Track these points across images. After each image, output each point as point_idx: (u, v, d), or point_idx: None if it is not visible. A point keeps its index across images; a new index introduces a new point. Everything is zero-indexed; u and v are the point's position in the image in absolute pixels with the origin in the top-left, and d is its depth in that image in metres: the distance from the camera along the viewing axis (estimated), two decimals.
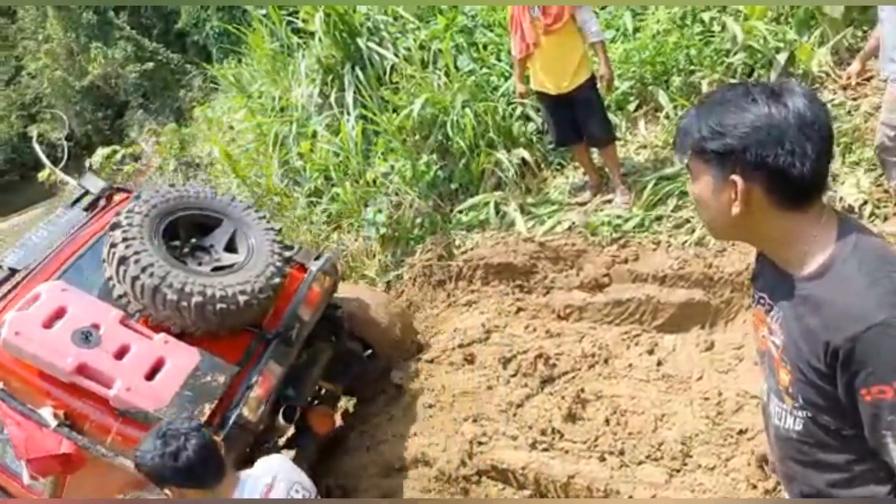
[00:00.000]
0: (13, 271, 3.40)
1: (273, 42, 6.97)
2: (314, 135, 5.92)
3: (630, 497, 3.12)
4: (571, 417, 3.56)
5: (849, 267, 1.14)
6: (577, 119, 4.32)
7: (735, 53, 4.72)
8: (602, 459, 3.34)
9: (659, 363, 3.75)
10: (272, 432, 3.48)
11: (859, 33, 4.45)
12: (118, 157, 9.77)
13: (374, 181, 5.34)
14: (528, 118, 5.31)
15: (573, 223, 4.52)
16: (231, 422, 3.05)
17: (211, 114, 9.27)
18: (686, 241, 4.03)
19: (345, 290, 4.32)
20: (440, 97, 5.23)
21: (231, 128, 7.85)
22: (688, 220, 4.13)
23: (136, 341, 3.05)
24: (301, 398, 3.71)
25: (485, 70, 5.59)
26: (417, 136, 5.34)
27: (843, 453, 1.24)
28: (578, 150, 4.60)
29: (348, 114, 5.78)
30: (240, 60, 8.91)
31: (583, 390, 3.66)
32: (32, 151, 15.07)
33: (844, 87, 4.15)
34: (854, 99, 4.18)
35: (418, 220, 5.17)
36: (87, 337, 2.95)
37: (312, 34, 6.15)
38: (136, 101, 15.41)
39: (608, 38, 5.21)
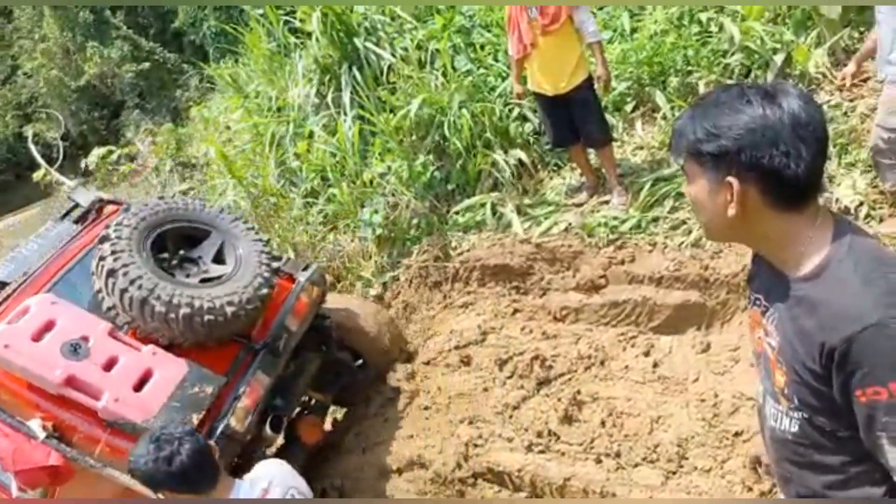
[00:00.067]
0: (3, 284, 3.43)
1: (270, 42, 6.95)
2: (311, 135, 5.91)
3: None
4: (567, 419, 3.55)
5: (844, 268, 1.14)
6: (575, 120, 4.32)
7: (732, 54, 4.73)
8: (598, 461, 3.33)
9: (655, 365, 3.75)
10: (260, 442, 3.50)
11: (856, 34, 4.46)
12: (114, 157, 9.77)
13: (371, 182, 5.33)
14: (525, 119, 5.31)
15: (570, 224, 4.52)
16: (219, 432, 3.07)
17: (207, 114, 9.25)
18: (682, 243, 4.03)
19: (334, 301, 4.35)
20: (437, 97, 5.22)
21: (228, 128, 7.84)
22: (684, 222, 4.13)
23: (125, 353, 3.09)
24: (289, 408, 3.74)
25: (482, 70, 5.59)
26: (414, 137, 5.33)
27: (839, 455, 1.24)
28: (575, 150, 4.60)
29: (345, 114, 5.77)
30: (237, 60, 8.90)
31: (579, 392, 3.65)
32: (28, 151, 15.08)
33: (841, 89, 4.16)
34: (850, 100, 4.19)
35: (415, 221, 5.16)
36: (75, 349, 2.98)
37: (309, 34, 6.14)
38: (132, 101, 15.38)
39: (605, 38, 5.22)
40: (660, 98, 4.87)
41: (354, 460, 3.94)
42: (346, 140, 5.55)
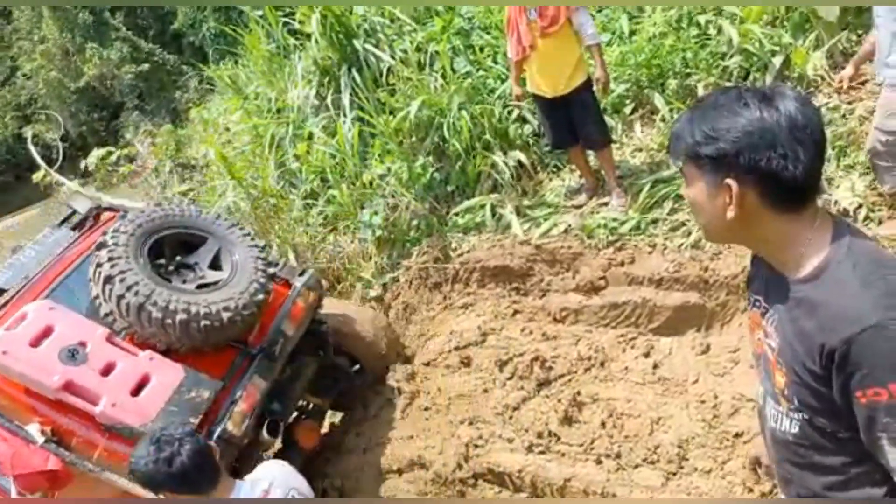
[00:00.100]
0: (1, 291, 3.46)
1: (269, 43, 6.96)
2: (310, 136, 5.92)
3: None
4: (567, 420, 3.56)
5: (843, 269, 1.15)
6: (574, 121, 4.33)
7: (730, 57, 4.74)
8: (598, 462, 3.34)
9: (655, 366, 3.75)
10: (257, 446, 3.52)
11: (854, 37, 4.47)
12: (113, 158, 9.76)
13: (371, 183, 5.34)
14: (524, 120, 5.31)
15: (569, 226, 4.52)
16: (216, 436, 3.10)
17: (207, 115, 9.25)
18: (682, 244, 4.04)
19: (331, 306, 4.40)
20: (437, 99, 5.23)
21: (227, 129, 7.83)
22: (684, 223, 4.14)
23: (122, 358, 3.12)
24: (286, 412, 3.77)
25: (481, 72, 5.60)
26: (414, 139, 5.34)
27: (839, 456, 1.25)
28: (574, 152, 4.60)
29: (345, 116, 5.78)
30: (236, 62, 8.89)
31: (579, 393, 3.66)
32: (27, 152, 15.09)
33: (839, 91, 4.17)
34: (849, 103, 4.20)
35: (414, 223, 5.17)
36: (73, 355, 3.01)
37: (309, 36, 6.14)
38: (131, 103, 15.39)
39: (604, 40, 5.23)
40: (658, 100, 4.87)
41: (355, 461, 3.95)
42: (346, 141, 5.55)
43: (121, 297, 3.10)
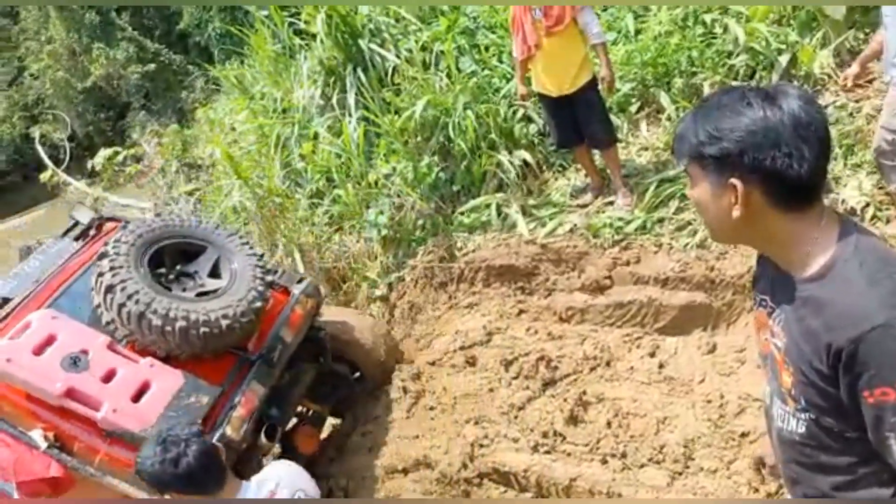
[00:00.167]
0: (6, 300, 3.53)
1: (275, 43, 6.97)
2: (316, 136, 5.93)
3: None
4: (573, 420, 3.56)
5: (850, 268, 1.15)
6: (579, 121, 4.32)
7: (737, 55, 4.72)
8: (604, 462, 3.33)
9: (661, 366, 3.75)
10: (255, 450, 3.57)
11: (861, 35, 4.45)
12: (120, 158, 9.79)
13: (376, 183, 5.34)
14: (529, 120, 5.31)
15: (575, 225, 4.52)
16: (214, 440, 3.12)
17: (213, 115, 9.27)
18: (688, 244, 4.03)
19: (331, 313, 4.47)
20: (442, 99, 5.23)
21: (233, 129, 7.85)
22: (689, 223, 4.13)
23: (123, 365, 3.19)
24: (284, 417, 3.82)
25: (486, 72, 5.60)
26: (419, 138, 5.34)
27: (847, 456, 1.24)
28: (580, 151, 4.60)
29: (350, 115, 5.78)
30: (242, 62, 8.92)
31: (584, 393, 3.65)
32: (35, 152, 15.17)
33: (846, 89, 4.15)
34: (856, 101, 4.18)
35: (420, 222, 5.17)
36: (75, 362, 3.08)
37: (314, 36, 6.15)
38: (138, 102, 15.46)
39: (610, 39, 5.21)
40: (664, 99, 4.86)
41: (360, 460, 3.95)
42: (351, 141, 5.56)
43: (122, 305, 3.17)
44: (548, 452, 3.47)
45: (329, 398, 4.29)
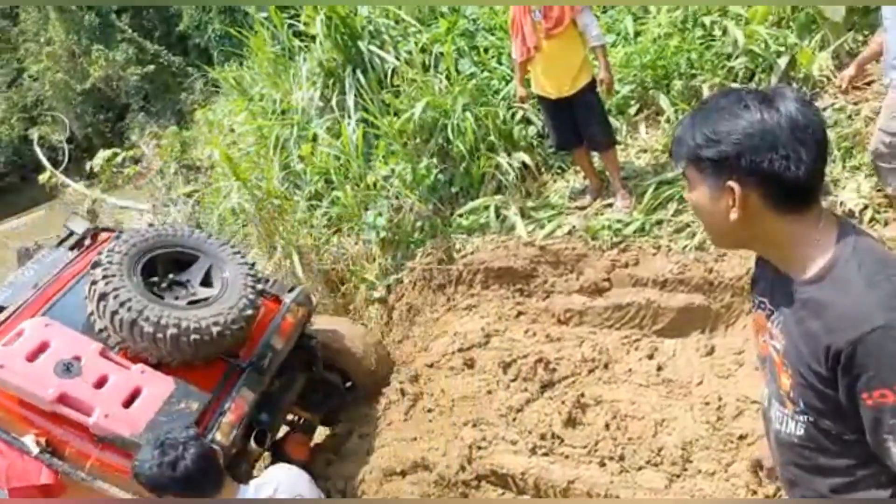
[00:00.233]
0: (1, 308, 3.58)
1: (274, 45, 6.98)
2: (315, 138, 5.92)
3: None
4: (571, 422, 3.55)
5: (849, 270, 1.15)
6: (578, 123, 4.32)
7: (736, 57, 4.73)
8: (602, 464, 3.33)
9: (659, 368, 3.74)
10: (245, 456, 3.61)
11: (860, 37, 4.46)
12: (119, 159, 9.79)
13: (375, 184, 5.33)
14: (528, 122, 5.31)
15: (573, 227, 4.51)
16: None
17: (212, 116, 9.27)
18: (686, 246, 4.03)
19: (323, 322, 4.52)
20: (441, 101, 5.23)
21: (232, 130, 7.84)
22: (688, 225, 4.13)
23: (115, 371, 3.25)
24: (274, 423, 3.86)
25: (486, 73, 5.60)
26: (418, 140, 5.34)
27: (845, 458, 1.24)
28: (579, 153, 4.60)
29: (349, 117, 5.78)
30: (241, 63, 8.92)
31: (583, 395, 3.65)
32: (33, 154, 15.14)
33: (845, 91, 4.15)
34: (855, 103, 4.18)
35: (418, 224, 5.16)
36: (68, 368, 3.14)
37: (314, 37, 6.15)
38: (136, 104, 15.47)
39: (609, 42, 5.22)
40: (663, 101, 4.87)
41: (358, 463, 3.95)
42: (350, 143, 5.56)
43: (114, 313, 3.22)
44: (546, 454, 3.46)
45: (320, 406, 4.35)
